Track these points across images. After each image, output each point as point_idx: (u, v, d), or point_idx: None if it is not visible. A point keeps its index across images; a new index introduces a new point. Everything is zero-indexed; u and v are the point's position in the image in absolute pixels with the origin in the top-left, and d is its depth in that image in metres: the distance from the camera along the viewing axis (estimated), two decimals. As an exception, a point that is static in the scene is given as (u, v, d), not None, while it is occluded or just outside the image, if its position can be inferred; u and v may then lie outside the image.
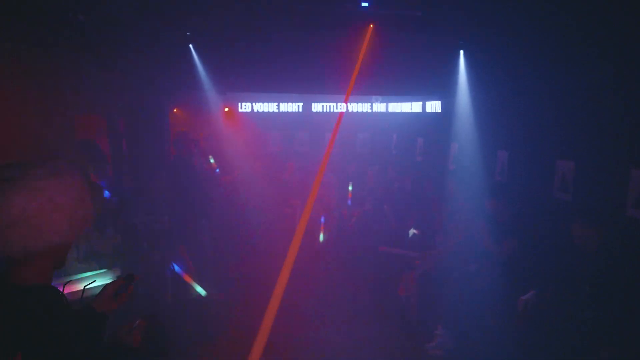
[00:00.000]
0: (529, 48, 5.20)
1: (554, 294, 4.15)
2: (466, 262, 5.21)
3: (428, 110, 8.92)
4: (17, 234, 1.43)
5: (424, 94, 8.52)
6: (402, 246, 6.81)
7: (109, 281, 2.10)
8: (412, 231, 6.76)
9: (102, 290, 2.04)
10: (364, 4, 4.86)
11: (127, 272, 2.20)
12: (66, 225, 1.51)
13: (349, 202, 8.95)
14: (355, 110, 10.10)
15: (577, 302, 3.86)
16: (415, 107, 9.31)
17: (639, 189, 4.04)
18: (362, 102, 10.10)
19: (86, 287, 2.12)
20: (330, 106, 9.98)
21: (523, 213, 5.13)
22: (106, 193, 5.55)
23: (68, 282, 2.05)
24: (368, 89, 7.46)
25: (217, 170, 8.23)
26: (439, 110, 8.51)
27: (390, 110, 9.82)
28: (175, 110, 9.89)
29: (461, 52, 6.41)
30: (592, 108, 4.64)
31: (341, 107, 10.05)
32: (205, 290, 5.79)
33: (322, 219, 8.39)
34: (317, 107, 9.83)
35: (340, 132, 10.27)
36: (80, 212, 1.55)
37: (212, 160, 8.00)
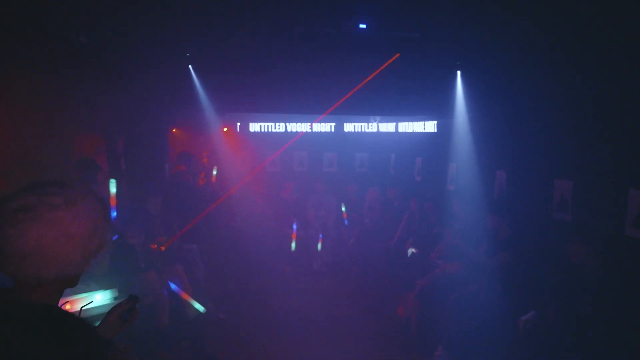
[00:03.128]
0: (526, 68, 5.25)
1: (554, 313, 4.13)
2: (466, 282, 5.19)
3: (400, 130, 9.29)
4: (31, 264, 1.41)
5: (422, 114, 8.58)
6: (401, 265, 6.80)
7: (108, 302, 2.08)
8: (411, 250, 6.74)
9: (106, 315, 2.01)
10: (362, 26, 4.92)
11: (124, 292, 2.19)
12: (80, 256, 1.49)
13: (346, 222, 8.95)
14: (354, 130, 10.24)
15: (578, 322, 3.83)
16: (390, 127, 9.82)
17: (637, 208, 4.05)
18: (361, 122, 10.21)
19: (83, 308, 2.10)
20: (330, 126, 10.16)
21: (522, 233, 5.13)
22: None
23: (65, 303, 2.04)
24: (366, 108, 7.51)
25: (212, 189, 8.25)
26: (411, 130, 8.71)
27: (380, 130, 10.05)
28: (174, 131, 9.94)
29: (458, 72, 6.47)
30: (591, 128, 4.67)
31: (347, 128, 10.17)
32: (204, 307, 5.76)
33: (321, 235, 8.40)
34: (318, 127, 10.04)
35: (340, 152, 10.39)
36: (95, 241, 1.53)
37: (214, 172, 8.02)
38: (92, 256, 1.54)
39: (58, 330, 1.46)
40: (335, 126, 10.24)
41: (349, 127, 10.26)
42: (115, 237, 5.27)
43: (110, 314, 2.01)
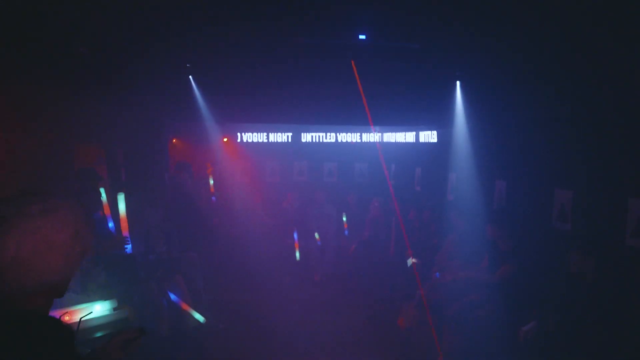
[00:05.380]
0: (526, 78, 5.27)
1: (555, 324, 4.11)
2: (466, 292, 5.17)
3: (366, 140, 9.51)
4: (12, 274, 1.41)
5: (421, 125, 8.61)
6: (401, 274, 6.79)
7: (107, 313, 2.07)
8: (411, 260, 6.73)
9: (109, 339, 2.00)
10: (362, 37, 4.94)
11: (123, 303, 2.18)
12: (62, 263, 1.48)
13: (346, 232, 8.94)
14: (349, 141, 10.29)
15: (579, 332, 3.82)
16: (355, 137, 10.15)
17: (637, 218, 4.05)
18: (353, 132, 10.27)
19: (82, 319, 2.10)
20: (320, 136, 10.19)
21: (522, 242, 5.12)
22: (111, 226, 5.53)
23: (64, 314, 2.03)
24: (365, 118, 7.51)
25: (214, 198, 8.25)
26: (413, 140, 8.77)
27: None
28: (174, 141, 9.96)
29: (458, 83, 6.49)
30: (590, 137, 4.68)
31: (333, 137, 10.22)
32: (204, 317, 5.74)
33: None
34: (306, 137, 10.12)
35: (339, 162, 10.42)
36: (77, 248, 1.52)
37: (211, 182, 8.01)
38: (76, 262, 1.53)
39: (37, 336, 1.45)
40: (292, 136, 10.18)
41: (306, 137, 10.22)
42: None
43: (113, 340, 1.99)
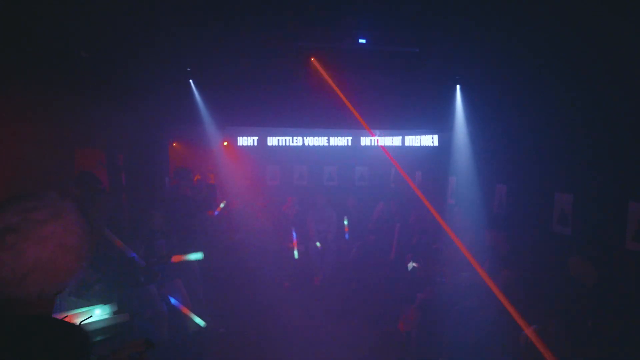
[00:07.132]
0: (526, 82, 5.27)
1: (555, 328, 4.10)
2: (467, 296, 5.16)
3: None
4: (32, 282, 1.42)
5: (422, 128, 8.61)
6: (402, 279, 6.78)
7: (107, 316, 2.06)
8: (411, 264, 6.72)
9: (116, 351, 1.99)
10: (362, 41, 4.96)
11: (123, 307, 2.17)
12: (76, 264, 1.51)
13: (347, 236, 8.94)
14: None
15: (579, 336, 3.81)
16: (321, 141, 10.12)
17: (637, 222, 4.04)
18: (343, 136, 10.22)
19: (82, 323, 2.09)
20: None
21: (522, 246, 5.11)
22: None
23: (65, 317, 2.02)
24: (366, 122, 7.51)
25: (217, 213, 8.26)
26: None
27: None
28: (175, 144, 9.96)
29: (457, 86, 6.49)
30: (591, 141, 4.68)
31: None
32: (204, 321, 5.73)
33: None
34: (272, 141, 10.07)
35: (340, 165, 10.41)
36: (85, 247, 1.54)
37: (222, 205, 8.05)
38: (85, 263, 1.55)
39: (59, 339, 1.46)
40: (258, 140, 10.08)
41: (272, 140, 10.09)
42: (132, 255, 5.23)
43: (121, 352, 1.98)
